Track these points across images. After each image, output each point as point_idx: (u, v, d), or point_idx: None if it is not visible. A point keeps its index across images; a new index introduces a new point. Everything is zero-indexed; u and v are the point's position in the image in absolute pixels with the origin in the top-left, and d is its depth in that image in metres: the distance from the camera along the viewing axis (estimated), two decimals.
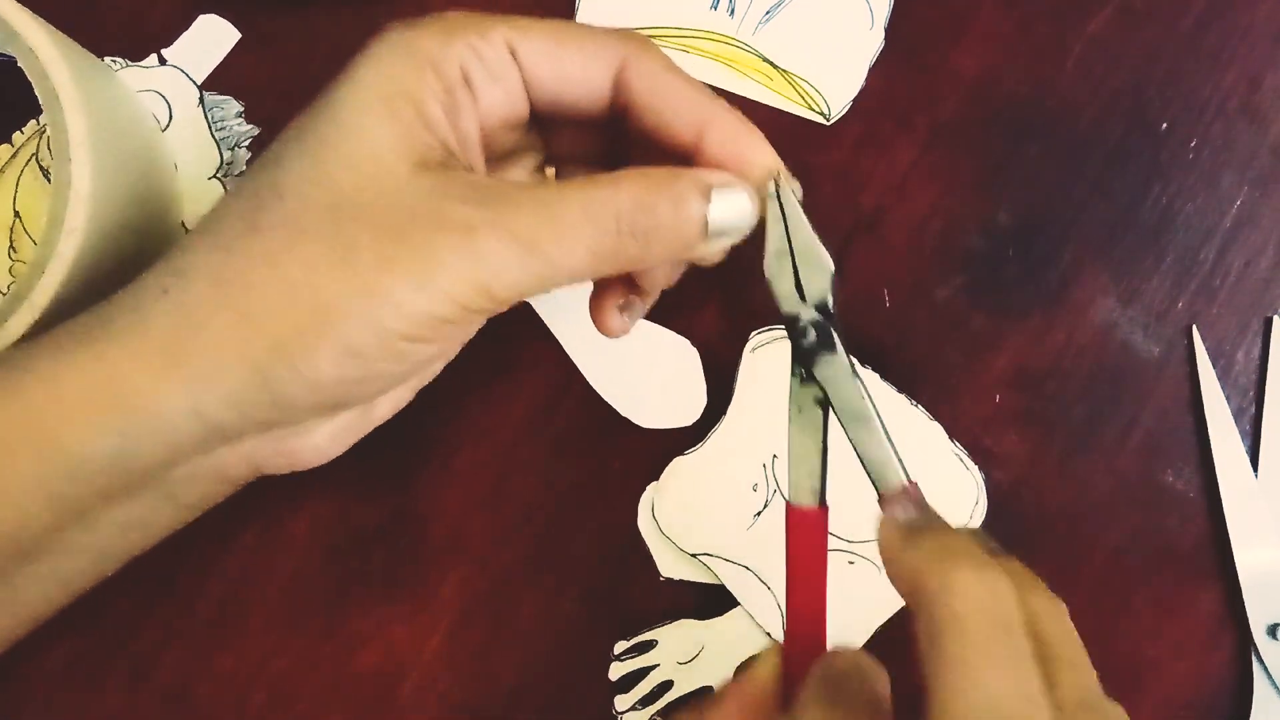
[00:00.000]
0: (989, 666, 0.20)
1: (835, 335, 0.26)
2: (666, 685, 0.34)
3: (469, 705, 0.34)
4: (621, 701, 0.34)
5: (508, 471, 0.35)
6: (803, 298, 0.26)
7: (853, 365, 0.26)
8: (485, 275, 0.25)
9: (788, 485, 0.26)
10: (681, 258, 0.27)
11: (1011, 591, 0.21)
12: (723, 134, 0.27)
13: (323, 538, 0.35)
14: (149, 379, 0.24)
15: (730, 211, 0.26)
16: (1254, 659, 0.35)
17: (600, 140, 0.30)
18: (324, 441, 0.29)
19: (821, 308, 0.26)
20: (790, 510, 0.26)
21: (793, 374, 0.26)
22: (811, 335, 0.26)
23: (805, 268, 0.26)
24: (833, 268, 0.26)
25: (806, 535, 0.26)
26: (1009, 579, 0.22)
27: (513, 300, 0.26)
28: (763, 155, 0.27)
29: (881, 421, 0.25)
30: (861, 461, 0.25)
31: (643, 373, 0.35)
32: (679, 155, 0.28)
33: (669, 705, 0.34)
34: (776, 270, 0.26)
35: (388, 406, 0.30)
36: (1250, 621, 0.35)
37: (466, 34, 0.26)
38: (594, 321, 0.31)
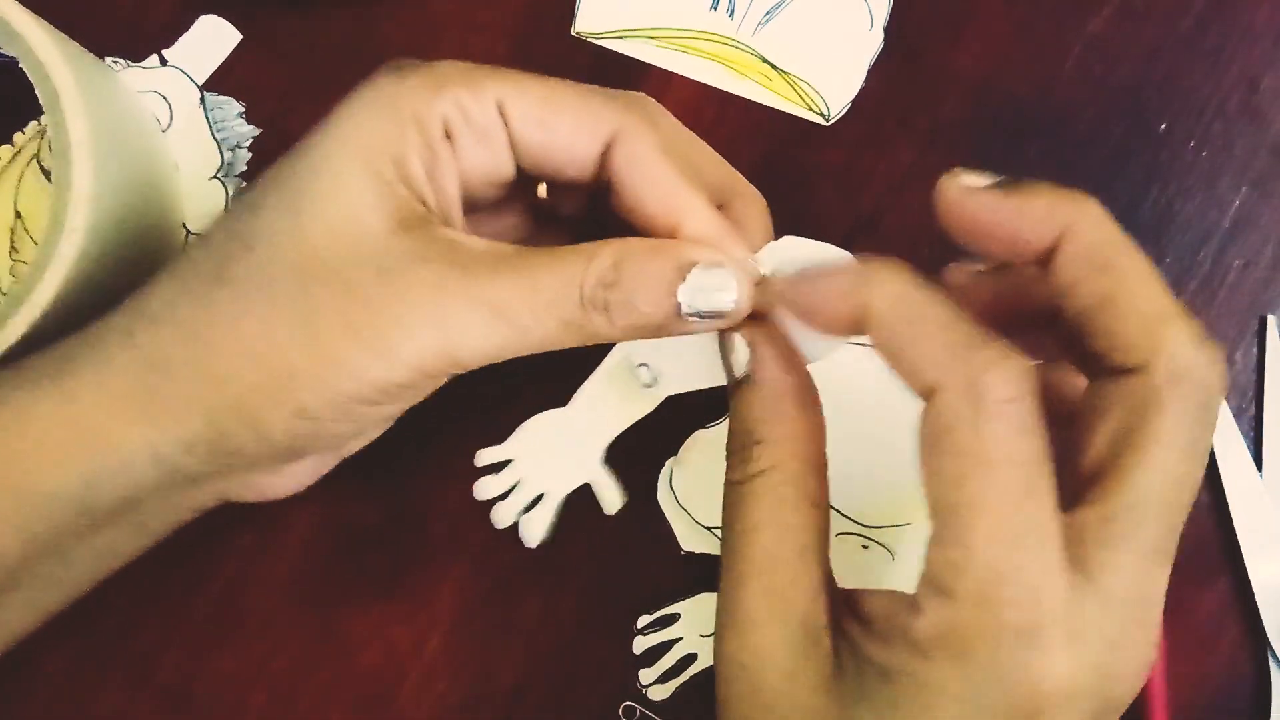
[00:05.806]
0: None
1: None
2: (690, 658, 0.34)
3: (469, 705, 0.34)
4: (646, 675, 0.34)
5: None
6: None
7: None
8: (451, 342, 0.24)
9: None
10: (657, 336, 0.26)
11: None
12: (696, 234, 0.26)
13: (322, 537, 0.35)
14: (111, 422, 0.24)
15: (710, 292, 0.25)
16: (1271, 662, 0.34)
17: (587, 199, 0.30)
18: (290, 480, 0.29)
19: None
20: None
21: None
22: None
23: None
24: None
25: None
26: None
27: (477, 365, 0.25)
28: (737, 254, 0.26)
29: None
30: None
31: None
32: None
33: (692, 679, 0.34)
34: None
35: (357, 443, 0.30)
36: (1265, 625, 0.34)
37: (455, 89, 0.25)
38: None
